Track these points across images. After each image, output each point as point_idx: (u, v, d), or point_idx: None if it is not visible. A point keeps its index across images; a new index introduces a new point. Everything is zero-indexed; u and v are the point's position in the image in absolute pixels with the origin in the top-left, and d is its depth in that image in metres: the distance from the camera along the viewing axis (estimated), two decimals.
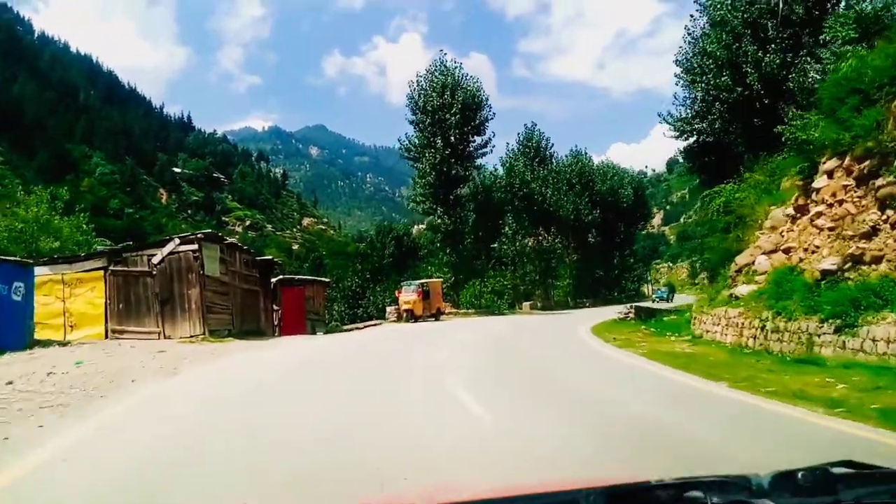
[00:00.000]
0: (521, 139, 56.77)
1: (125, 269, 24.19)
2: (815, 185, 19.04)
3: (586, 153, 69.43)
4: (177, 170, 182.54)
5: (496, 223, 49.87)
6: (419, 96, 44.21)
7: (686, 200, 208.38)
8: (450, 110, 43.23)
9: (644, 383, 11.41)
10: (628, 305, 34.87)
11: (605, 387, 11.23)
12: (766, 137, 37.68)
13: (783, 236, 22.53)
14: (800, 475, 1.44)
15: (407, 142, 45.62)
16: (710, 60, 38.62)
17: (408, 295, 36.61)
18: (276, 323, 33.52)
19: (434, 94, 43.52)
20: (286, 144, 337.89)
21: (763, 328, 16.78)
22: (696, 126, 40.40)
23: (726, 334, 19.37)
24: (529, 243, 53.81)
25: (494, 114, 45.60)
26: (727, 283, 24.56)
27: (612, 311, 46.81)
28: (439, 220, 44.45)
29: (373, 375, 12.95)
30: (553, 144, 58.41)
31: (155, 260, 23.98)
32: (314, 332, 33.66)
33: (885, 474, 1.59)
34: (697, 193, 67.79)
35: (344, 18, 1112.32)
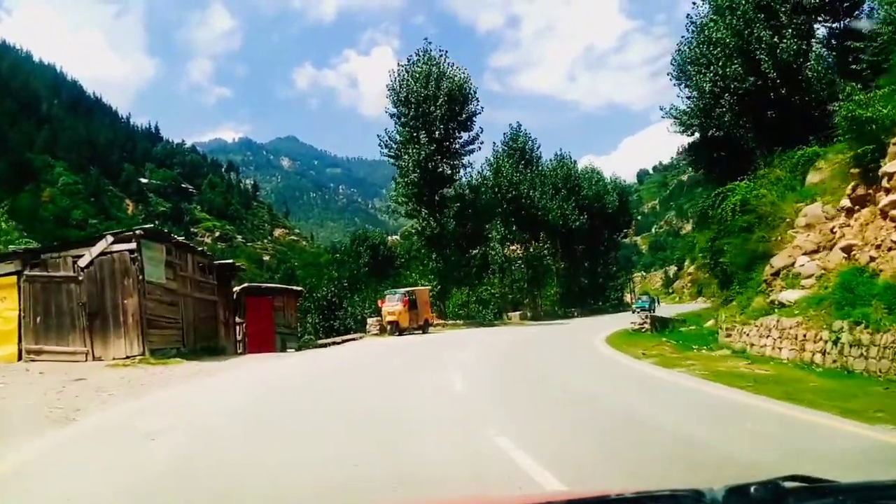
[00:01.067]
0: (506, 140, 52.39)
1: (44, 273, 18.90)
2: (887, 168, 15.35)
3: (571, 157, 65.41)
4: (143, 180, 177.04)
5: (482, 227, 45.27)
6: (401, 86, 39.48)
7: (657, 211, 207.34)
8: (435, 102, 38.60)
9: (769, 428, 7.47)
10: (643, 315, 30.41)
11: (702, 429, 7.31)
12: (782, 130, 33.86)
13: (834, 233, 18.66)
14: (752, 489, 1.44)
15: (387, 137, 40.93)
16: (718, 49, 34.64)
17: (392, 304, 31.75)
18: (239, 338, 28.38)
19: (417, 84, 38.85)
20: (257, 156, 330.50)
21: (836, 341, 13.59)
22: (701, 121, 36.32)
23: (780, 348, 16.13)
24: (518, 250, 49.31)
25: (483, 108, 41.16)
26: (760, 289, 21.92)
27: (611, 321, 42.39)
28: (424, 223, 39.62)
29: (366, 425, 8.06)
30: (540, 146, 54.25)
31: (82, 262, 18.72)
32: (285, 349, 28.58)
33: (836, 488, 1.60)
34: (672, 197, 64.24)
35: (315, 31, 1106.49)
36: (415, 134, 39.44)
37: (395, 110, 40.09)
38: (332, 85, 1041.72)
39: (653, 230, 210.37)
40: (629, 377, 14.75)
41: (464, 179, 42.65)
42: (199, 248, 23.87)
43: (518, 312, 48.26)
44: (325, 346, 31.34)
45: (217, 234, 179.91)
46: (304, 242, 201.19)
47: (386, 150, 41.02)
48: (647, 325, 29.37)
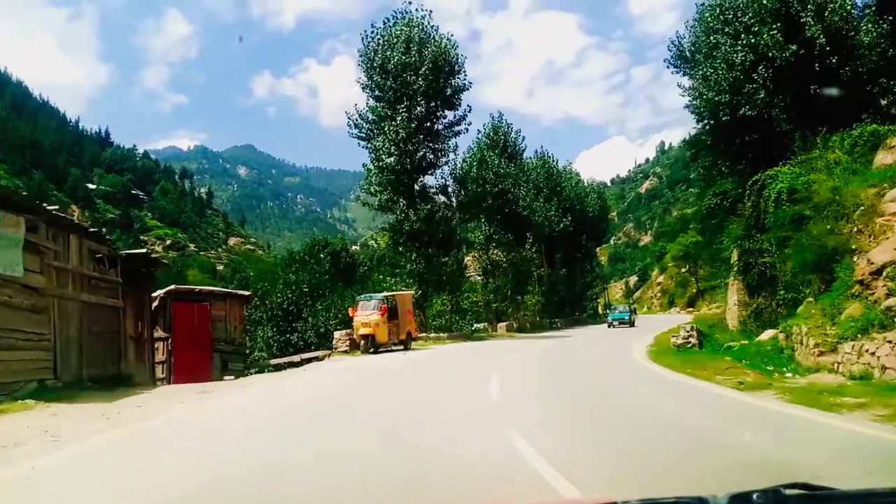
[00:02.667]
0: (487, 132, 45.25)
1: None
2: None
3: (552, 156, 58.82)
4: (91, 185, 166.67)
5: (454, 229, 38.02)
6: (375, 53, 32.02)
7: (615, 223, 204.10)
8: (416, 72, 31.31)
9: None
10: (688, 327, 23.52)
11: None
12: (828, 108, 27.57)
13: None
14: (755, 496, 1.43)
15: (356, 115, 33.39)
16: (751, 13, 28.48)
17: (367, 313, 24.11)
18: (162, 358, 20.47)
19: (396, 50, 31.46)
20: (213, 164, 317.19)
21: None
22: (731, 98, 29.88)
23: None
24: (500, 254, 42.21)
25: (471, 83, 33.96)
26: (852, 292, 16.96)
27: (612, 333, 35.56)
28: (402, 216, 32.13)
29: None
30: (524, 138, 47.26)
31: None
32: (224, 374, 20.83)
33: (836, 495, 1.58)
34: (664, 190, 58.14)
35: (274, 39, 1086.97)
36: (392, 110, 32.10)
37: (367, 81, 32.62)
38: (291, 94, 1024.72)
39: (611, 242, 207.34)
40: (783, 426, 8.25)
41: (447, 168, 35.48)
42: (96, 231, 15.86)
43: (504, 323, 41.14)
44: (279, 367, 23.61)
45: (168, 242, 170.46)
46: (260, 252, 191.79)
47: (356, 131, 33.54)
48: (692, 340, 22.52)
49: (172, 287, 21.57)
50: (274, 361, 25.79)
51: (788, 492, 1.49)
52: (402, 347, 25.54)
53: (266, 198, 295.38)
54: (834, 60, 26.73)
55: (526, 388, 12.98)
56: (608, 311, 56.74)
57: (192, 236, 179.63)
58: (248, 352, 31.74)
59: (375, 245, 79.72)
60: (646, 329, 38.20)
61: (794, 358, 16.84)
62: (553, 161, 57.78)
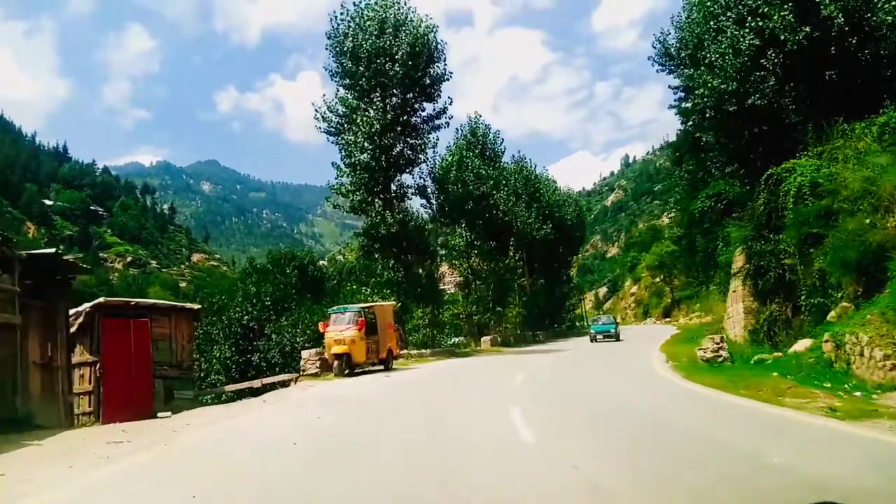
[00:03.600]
0: (464, 133, 41.59)
1: None
2: None
3: (530, 161, 55.48)
4: (48, 202, 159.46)
5: (426, 237, 34.08)
6: (345, 36, 28.15)
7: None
8: (391, 57, 27.55)
9: None
10: (716, 338, 19.94)
11: None
12: (845, 95, 24.66)
13: None
14: None
15: (324, 107, 29.42)
16: None
17: (341, 329, 19.97)
18: (89, 388, 16.15)
19: (369, 33, 27.64)
20: (176, 180, 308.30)
21: None
22: (737, 87, 26.86)
23: None
24: (484, 262, 38.45)
25: (452, 74, 30.29)
26: None
27: (597, 347, 31.96)
28: (377, 219, 28.16)
29: None
30: (503, 140, 43.69)
31: None
32: (168, 404, 16.69)
33: None
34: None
35: (238, 54, 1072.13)
36: (364, 100, 28.25)
37: (337, 68, 28.69)
38: (256, 108, 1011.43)
39: (578, 254, 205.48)
40: None
41: (425, 167, 31.70)
42: None
43: (488, 337, 37.35)
44: (237, 396, 19.47)
45: (129, 259, 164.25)
46: (224, 268, 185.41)
47: (324, 125, 29.55)
48: (723, 354, 19.02)
49: (101, 300, 17.21)
50: (231, 388, 21.51)
51: None
52: (382, 368, 21.51)
53: (231, 213, 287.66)
54: (853, 41, 23.75)
55: (560, 424, 9.28)
56: (590, 323, 49.52)
57: (154, 253, 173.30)
58: (202, 375, 27.36)
59: (343, 259, 75.41)
60: (637, 341, 34.64)
61: (850, 372, 14.03)
62: (531, 167, 54.53)
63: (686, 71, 42.21)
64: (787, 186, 22.61)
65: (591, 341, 36.33)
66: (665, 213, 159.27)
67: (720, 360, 18.55)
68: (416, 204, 30.98)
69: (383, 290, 28.89)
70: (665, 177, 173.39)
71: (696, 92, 28.20)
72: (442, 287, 38.57)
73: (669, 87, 44.79)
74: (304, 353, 21.03)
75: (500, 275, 39.98)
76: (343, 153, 29.29)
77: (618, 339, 36.60)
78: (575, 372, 18.96)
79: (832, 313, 19.84)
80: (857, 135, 21.59)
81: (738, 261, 30.48)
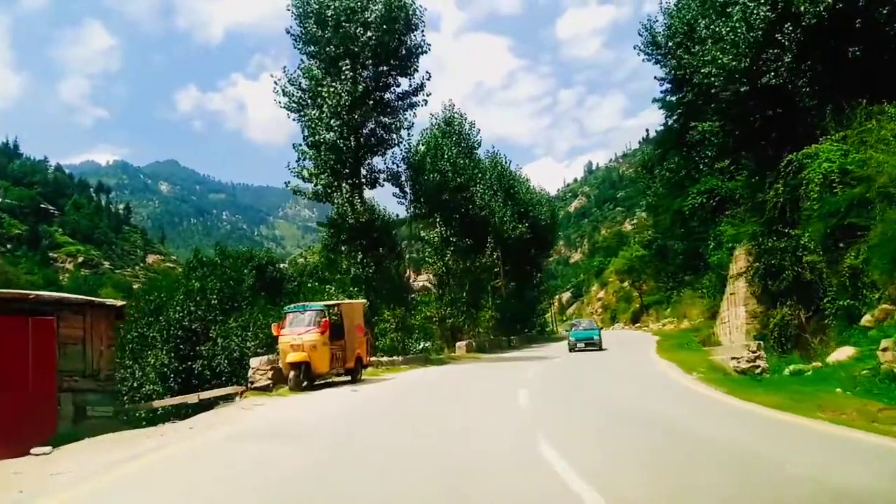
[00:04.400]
0: (438, 122, 37.78)
1: None
2: None
3: (504, 157, 52.06)
4: None
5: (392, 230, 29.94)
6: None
7: None
8: (363, 22, 23.74)
9: None
10: (752, 345, 16.51)
11: None
12: (869, 74, 21.81)
13: None
14: None
15: (286, 80, 25.40)
16: None
17: (300, 331, 15.90)
18: None
19: None
20: (134, 179, 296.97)
21: None
22: (750, 66, 23.93)
23: None
24: (459, 260, 34.68)
25: (430, 46, 26.52)
26: None
27: (581, 355, 28.43)
28: (344, 206, 24.19)
29: None
30: (479, 131, 40.01)
31: None
32: (82, 426, 12.62)
33: None
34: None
35: (200, 53, 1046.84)
36: (332, 71, 24.33)
37: (301, 32, 24.66)
38: (218, 108, 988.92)
39: (549, 256, 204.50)
40: None
41: (399, 152, 27.88)
42: None
43: (463, 343, 33.64)
44: (175, 411, 15.35)
45: (81, 259, 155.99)
46: (180, 269, 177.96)
47: (284, 100, 25.50)
48: (761, 364, 15.68)
49: None
50: (161, 404, 17.27)
51: None
52: (349, 379, 17.55)
53: (189, 214, 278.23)
54: (884, 11, 20.77)
55: (616, 465, 5.71)
56: (567, 330, 41.96)
57: (108, 253, 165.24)
58: (134, 385, 23.07)
59: (305, 262, 70.79)
60: (623, 349, 30.70)
61: None
62: (505, 163, 51.13)
63: (675, 60, 39.48)
64: (809, 174, 19.54)
65: (570, 350, 29.94)
66: (627, 220, 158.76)
67: (758, 371, 15.25)
68: (387, 194, 27.02)
69: (349, 289, 24.93)
70: (634, 181, 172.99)
71: (703, 71, 25.03)
72: (414, 289, 34.81)
73: (655, 77, 42.00)
74: (254, 362, 16.90)
75: (476, 275, 36.34)
76: (306, 132, 25.31)
77: (600, 349, 30.06)
78: (585, 385, 15.34)
79: (867, 317, 16.74)
80: (891, 115, 18.69)
81: (740, 260, 27.40)
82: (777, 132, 24.45)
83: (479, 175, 39.22)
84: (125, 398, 22.07)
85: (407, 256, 36.26)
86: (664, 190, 47.97)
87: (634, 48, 40.63)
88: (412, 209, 29.23)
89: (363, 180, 25.77)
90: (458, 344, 33.24)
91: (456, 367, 24.10)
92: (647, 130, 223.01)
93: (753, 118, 24.46)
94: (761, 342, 15.91)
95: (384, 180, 26.56)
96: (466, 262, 35.47)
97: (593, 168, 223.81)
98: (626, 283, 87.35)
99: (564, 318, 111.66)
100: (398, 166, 27.31)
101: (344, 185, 24.26)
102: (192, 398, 16.63)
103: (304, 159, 25.50)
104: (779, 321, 22.83)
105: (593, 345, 30.06)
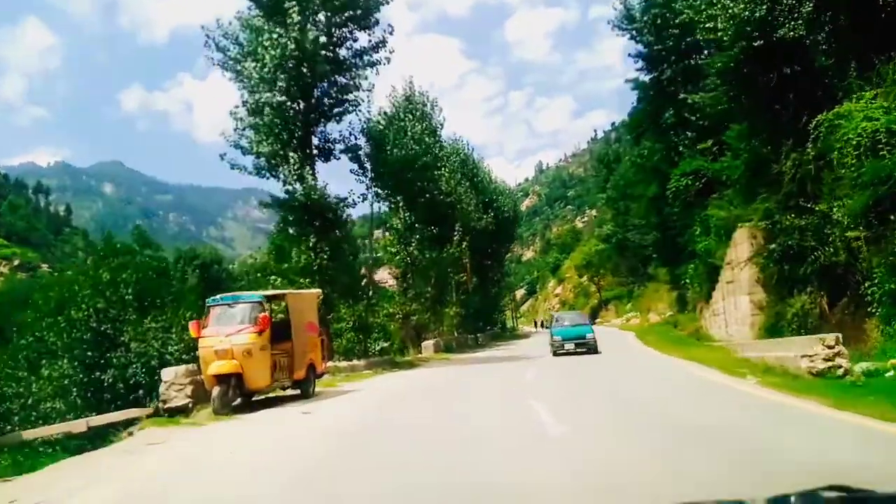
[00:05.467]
0: (399, 100, 33.01)
1: None
2: None
3: (467, 143, 47.84)
4: None
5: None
6: None
7: None
8: None
9: None
10: (829, 338, 12.56)
11: None
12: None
13: None
14: (792, 499, 1.36)
15: (219, 32, 20.57)
16: None
17: (228, 332, 11.20)
18: None
19: None
20: (76, 181, 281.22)
21: None
22: (761, 14, 20.31)
23: None
24: (425, 251, 30.20)
25: None
26: None
27: (576, 355, 24.28)
28: (293, 180, 19.42)
29: None
30: (442, 110, 35.50)
31: None
32: None
33: (876, 498, 1.46)
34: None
35: (145, 52, 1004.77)
36: (276, 18, 19.62)
37: None
38: (164, 108, 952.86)
39: (510, 252, 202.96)
40: None
41: (357, 122, 23.26)
42: None
43: (431, 342, 29.29)
44: (69, 442, 10.57)
45: (17, 262, 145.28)
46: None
47: (218, 56, 20.64)
48: (843, 363, 11.82)
49: None
50: (35, 433, 12.28)
51: (826, 494, 1.36)
52: (299, 394, 12.96)
53: (135, 216, 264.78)
54: None
55: None
56: (549, 325, 31.29)
57: (46, 256, 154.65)
58: (30, 403, 17.96)
59: (255, 261, 65.08)
60: (611, 346, 26.30)
61: None
62: (468, 149, 46.96)
63: (652, 35, 36.08)
64: (845, 134, 15.97)
65: (555, 353, 21.88)
66: (578, 218, 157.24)
67: (840, 372, 11.45)
68: (343, 173, 22.31)
69: (298, 281, 20.23)
70: (582, 181, 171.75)
71: (706, 26, 21.27)
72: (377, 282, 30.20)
73: (630, 55, 38.53)
74: (166, 373, 12.07)
75: (442, 267, 31.99)
76: (245, 94, 20.48)
77: (595, 352, 21.76)
78: (618, 394, 11.18)
79: None
80: None
81: (741, 244, 23.84)
82: (795, 94, 20.84)
83: (444, 159, 34.92)
84: (16, 418, 17.10)
85: (367, 249, 31.74)
86: (636, 177, 44.52)
87: (608, 23, 37.03)
88: (373, 189, 24.68)
89: (315, 151, 21.10)
90: (424, 343, 28.84)
91: (428, 371, 19.73)
92: (595, 131, 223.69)
93: (769, 77, 20.75)
94: (839, 335, 12.08)
95: (340, 152, 21.93)
96: (432, 253, 31.07)
97: (544, 168, 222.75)
98: (584, 279, 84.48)
99: (520, 315, 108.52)
100: (356, 138, 22.77)
101: (292, 155, 19.53)
102: (79, 425, 11.78)
103: (244, 128, 20.64)
104: (799, 311, 19.22)
105: (584, 346, 21.72)
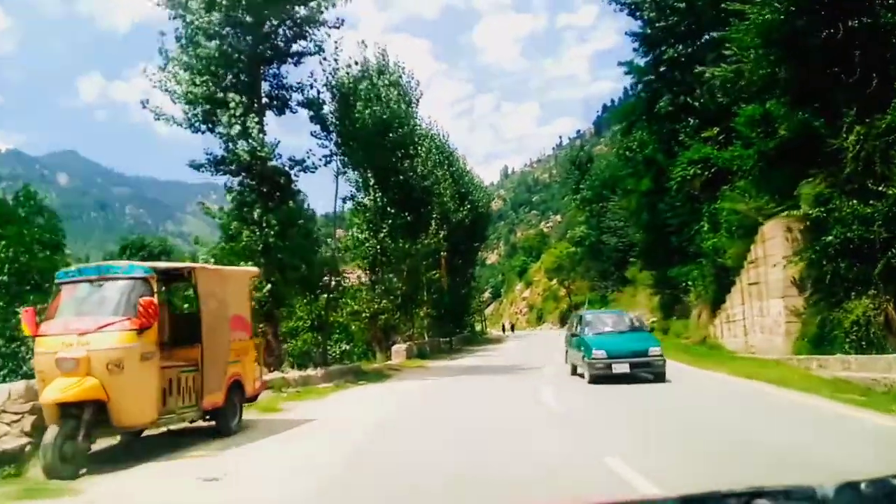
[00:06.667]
0: (370, 69, 27.65)
1: None
2: None
3: (440, 129, 42.98)
4: None
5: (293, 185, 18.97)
6: None
7: None
8: None
9: None
10: None
11: None
12: None
13: None
14: (863, 485, 1.30)
15: None
16: None
17: (80, 329, 6.51)
18: None
19: None
20: (29, 170, 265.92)
21: None
22: None
23: None
24: (398, 240, 25.32)
25: None
26: None
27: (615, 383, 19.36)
28: (236, 135, 14.44)
29: None
30: (419, 84, 30.55)
31: None
32: None
33: None
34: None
35: (106, 40, 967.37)
36: None
37: None
38: (124, 99, 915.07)
39: (481, 251, 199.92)
40: None
41: (322, 70, 18.35)
42: None
43: (403, 346, 24.49)
44: None
45: None
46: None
47: None
48: None
49: None
50: None
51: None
52: (214, 425, 8.07)
53: (90, 208, 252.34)
54: None
55: None
56: (579, 329, 14.82)
57: None
58: None
59: (214, 261, 58.95)
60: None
61: None
62: (443, 136, 42.15)
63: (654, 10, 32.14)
64: None
65: (593, 379, 12.92)
66: (543, 223, 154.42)
67: None
68: (303, 136, 17.16)
69: (240, 263, 15.20)
70: (547, 186, 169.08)
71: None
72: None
73: (627, 33, 34.44)
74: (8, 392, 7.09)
75: (416, 260, 27.17)
76: (181, 26, 15.44)
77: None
78: (719, 430, 6.61)
79: None
80: None
81: (773, 240, 19.78)
82: (863, 53, 16.73)
83: (421, 137, 30.22)
84: None
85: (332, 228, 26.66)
86: (625, 170, 40.52)
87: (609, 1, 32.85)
88: (338, 157, 19.71)
89: (265, 99, 16.13)
90: (394, 348, 24.00)
91: (405, 385, 14.95)
92: (561, 138, 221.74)
93: (829, 32, 16.57)
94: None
95: (298, 105, 16.96)
96: (405, 244, 26.23)
97: (509, 172, 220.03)
98: (554, 282, 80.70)
99: (483, 319, 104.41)
100: (319, 91, 17.86)
101: (233, 97, 14.55)
102: None
103: (176, 67, 15.54)
104: (860, 318, 15.02)
105: (649, 369, 12.92)
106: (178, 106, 15.78)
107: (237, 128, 14.29)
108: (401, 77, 27.91)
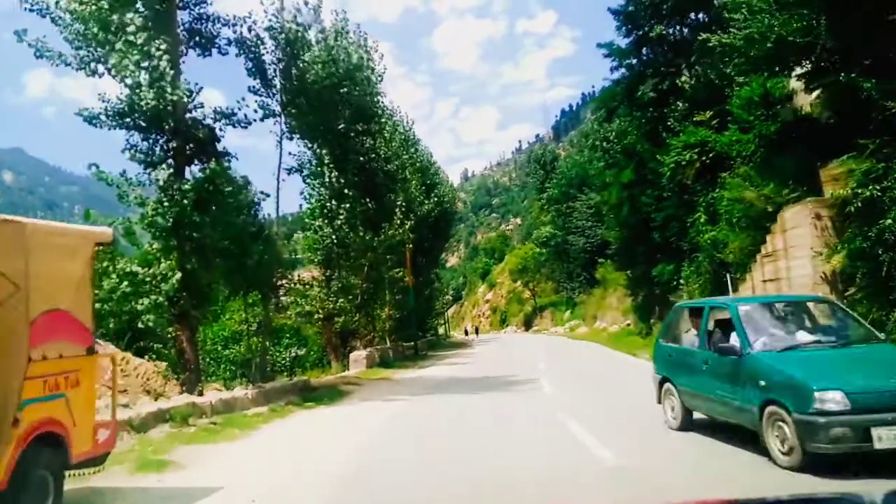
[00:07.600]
0: (332, 39, 23.31)
1: None
2: None
3: (405, 115, 38.94)
4: None
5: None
6: None
7: None
8: None
9: None
10: None
11: None
12: None
13: None
14: None
15: None
16: None
17: None
18: None
19: None
20: None
21: None
22: None
23: None
24: (360, 232, 21.25)
25: None
26: None
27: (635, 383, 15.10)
28: (140, 75, 10.44)
29: None
30: (383, 56, 26.13)
31: None
32: None
33: None
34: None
35: (56, 35, 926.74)
36: None
37: None
38: (74, 96, 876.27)
39: (445, 251, 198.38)
40: None
41: (264, 10, 14.39)
42: None
43: (363, 353, 20.53)
44: None
45: None
46: None
47: None
48: None
49: None
50: None
51: None
52: None
53: (36, 207, 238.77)
54: None
55: None
56: (705, 339, 6.94)
57: None
58: None
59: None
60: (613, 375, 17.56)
61: None
62: (407, 123, 38.23)
63: None
64: None
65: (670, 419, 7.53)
66: (503, 225, 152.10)
67: None
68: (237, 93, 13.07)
69: (155, 254, 11.13)
70: (507, 189, 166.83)
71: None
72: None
73: (609, 10, 31.23)
74: None
75: (378, 254, 23.23)
76: None
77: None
78: None
79: None
80: None
81: (798, 227, 16.62)
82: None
83: (386, 114, 26.39)
84: None
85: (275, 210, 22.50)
86: (601, 164, 37.39)
87: None
88: (285, 115, 15.62)
89: (183, 34, 12.08)
90: (353, 355, 20.03)
91: (369, 412, 11.06)
92: (520, 142, 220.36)
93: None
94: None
95: (229, 45, 12.93)
96: (366, 235, 22.28)
97: (469, 175, 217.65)
98: (518, 284, 77.60)
99: (446, 322, 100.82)
100: (257, 33, 13.83)
101: (132, 18, 10.49)
102: None
103: None
104: None
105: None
106: (65, 36, 11.62)
107: (136, 57, 10.17)
108: (364, 47, 23.83)
